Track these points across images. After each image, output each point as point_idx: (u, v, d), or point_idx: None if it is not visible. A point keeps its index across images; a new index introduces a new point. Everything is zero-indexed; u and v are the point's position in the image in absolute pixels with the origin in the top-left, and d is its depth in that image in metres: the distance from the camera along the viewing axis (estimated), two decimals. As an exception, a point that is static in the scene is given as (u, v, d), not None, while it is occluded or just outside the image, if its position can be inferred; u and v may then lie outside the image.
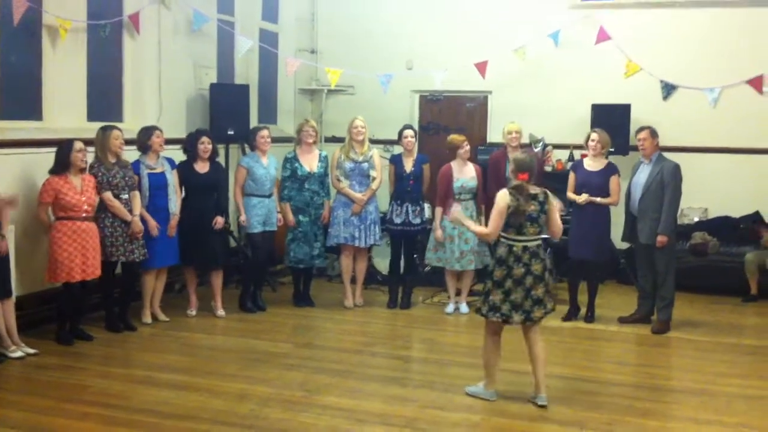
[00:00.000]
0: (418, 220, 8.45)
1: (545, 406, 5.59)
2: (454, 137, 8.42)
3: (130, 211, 7.25)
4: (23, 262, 6.99)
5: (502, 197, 5.54)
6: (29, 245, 7.10)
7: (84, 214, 6.86)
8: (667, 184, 7.65)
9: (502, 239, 5.61)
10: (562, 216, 5.85)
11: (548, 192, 5.69)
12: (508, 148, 8.34)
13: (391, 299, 8.63)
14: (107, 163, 7.17)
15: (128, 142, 7.44)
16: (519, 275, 5.53)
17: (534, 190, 5.59)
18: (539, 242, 5.62)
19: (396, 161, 8.53)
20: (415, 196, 8.45)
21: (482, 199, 8.28)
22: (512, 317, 5.56)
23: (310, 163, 8.33)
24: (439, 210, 8.27)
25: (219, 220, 7.91)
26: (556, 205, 5.71)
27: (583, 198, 7.82)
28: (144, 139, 7.55)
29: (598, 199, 7.83)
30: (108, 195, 7.11)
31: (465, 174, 8.24)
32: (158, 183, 7.55)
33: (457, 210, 6.26)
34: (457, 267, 8.28)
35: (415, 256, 8.80)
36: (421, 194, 8.53)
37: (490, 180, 8.29)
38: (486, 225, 6.33)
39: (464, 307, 8.39)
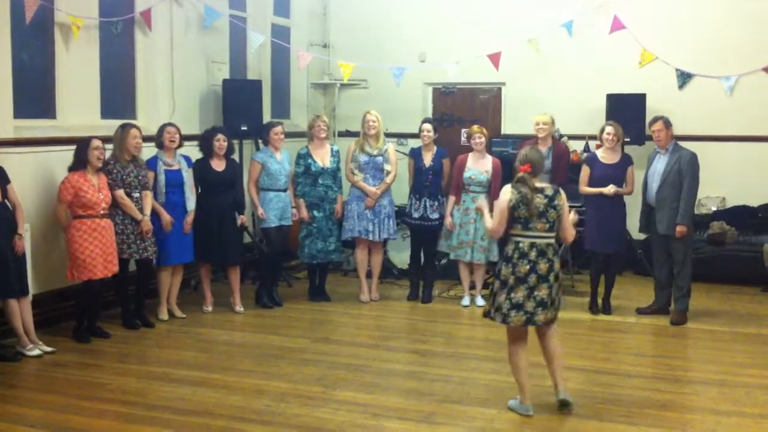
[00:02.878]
0: (436, 215, 8.40)
1: (569, 403, 5.39)
2: (471, 128, 8.40)
3: (141, 210, 7.26)
4: (40, 260, 7.01)
5: (504, 192, 5.39)
6: (46, 244, 7.12)
7: (102, 212, 6.89)
8: (685, 173, 7.59)
9: (510, 236, 5.41)
10: (576, 219, 5.59)
11: (560, 190, 5.44)
12: (538, 140, 8.24)
13: (412, 292, 8.63)
14: (123, 161, 7.17)
15: (145, 139, 7.44)
16: (523, 273, 5.26)
17: (541, 184, 5.39)
18: (549, 241, 5.34)
19: (415, 155, 8.49)
20: (434, 190, 8.41)
21: (495, 194, 8.20)
22: (509, 317, 5.29)
23: (322, 158, 8.32)
24: (451, 198, 8.27)
25: (243, 218, 8.01)
26: (571, 217, 5.49)
27: (610, 190, 7.75)
28: (158, 136, 7.57)
29: (620, 189, 7.83)
30: (120, 193, 7.11)
31: (478, 166, 8.21)
32: (174, 180, 7.56)
33: (482, 200, 6.16)
34: (452, 256, 8.35)
35: (436, 250, 8.77)
36: (440, 189, 8.48)
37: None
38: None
39: (480, 300, 8.36)
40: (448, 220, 8.26)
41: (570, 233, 5.46)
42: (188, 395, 5.68)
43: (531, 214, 5.28)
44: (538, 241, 5.31)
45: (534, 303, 5.27)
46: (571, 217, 5.49)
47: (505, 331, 5.50)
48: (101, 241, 6.85)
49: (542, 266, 5.29)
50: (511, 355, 5.45)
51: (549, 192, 5.35)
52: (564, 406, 5.39)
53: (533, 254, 5.29)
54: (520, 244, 5.32)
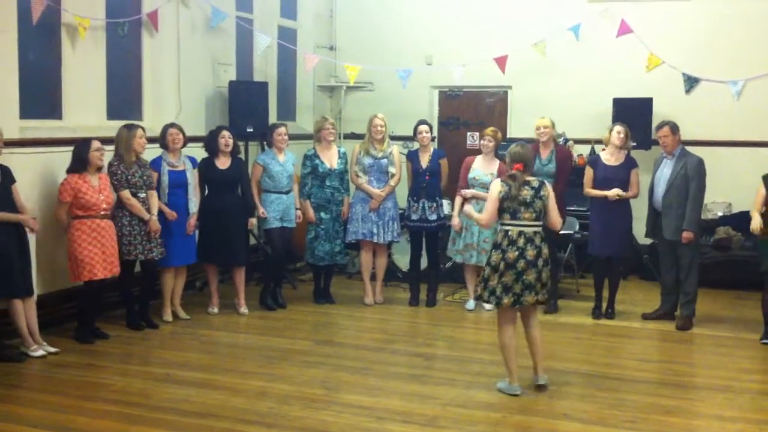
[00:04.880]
0: (434, 216, 8.36)
1: (545, 386, 5.80)
2: (486, 129, 8.42)
3: (148, 210, 7.26)
4: (44, 260, 7.00)
5: (495, 185, 5.82)
6: (50, 244, 7.10)
7: (102, 213, 6.88)
8: (692, 178, 7.57)
9: (500, 225, 5.83)
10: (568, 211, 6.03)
11: (546, 183, 5.89)
12: (540, 144, 8.20)
13: (413, 297, 8.58)
14: (127, 161, 7.17)
15: (150, 140, 7.46)
16: (512, 258, 5.67)
17: (529, 178, 5.81)
18: (536, 229, 5.75)
19: (412, 157, 8.47)
20: (431, 192, 8.36)
21: None
22: (502, 299, 5.69)
23: (330, 159, 8.31)
24: (458, 199, 8.24)
25: (252, 222, 8.05)
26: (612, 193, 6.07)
27: (614, 192, 7.70)
28: (162, 137, 7.57)
29: (623, 193, 7.76)
30: (126, 193, 7.12)
31: (483, 168, 8.18)
32: (177, 181, 7.56)
33: (468, 205, 6.64)
34: (459, 259, 8.31)
35: (438, 251, 8.75)
36: (439, 190, 8.44)
37: None
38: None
39: (487, 304, 8.31)
40: (455, 221, 8.23)
41: (555, 218, 5.87)
42: (191, 397, 5.67)
43: (518, 203, 5.71)
44: (526, 229, 5.73)
45: (521, 286, 5.68)
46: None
47: (497, 314, 5.92)
48: (101, 242, 6.85)
49: (530, 252, 5.69)
50: (501, 334, 5.83)
51: (535, 184, 5.80)
52: (540, 389, 5.85)
53: (521, 241, 5.70)
54: (509, 232, 5.74)
